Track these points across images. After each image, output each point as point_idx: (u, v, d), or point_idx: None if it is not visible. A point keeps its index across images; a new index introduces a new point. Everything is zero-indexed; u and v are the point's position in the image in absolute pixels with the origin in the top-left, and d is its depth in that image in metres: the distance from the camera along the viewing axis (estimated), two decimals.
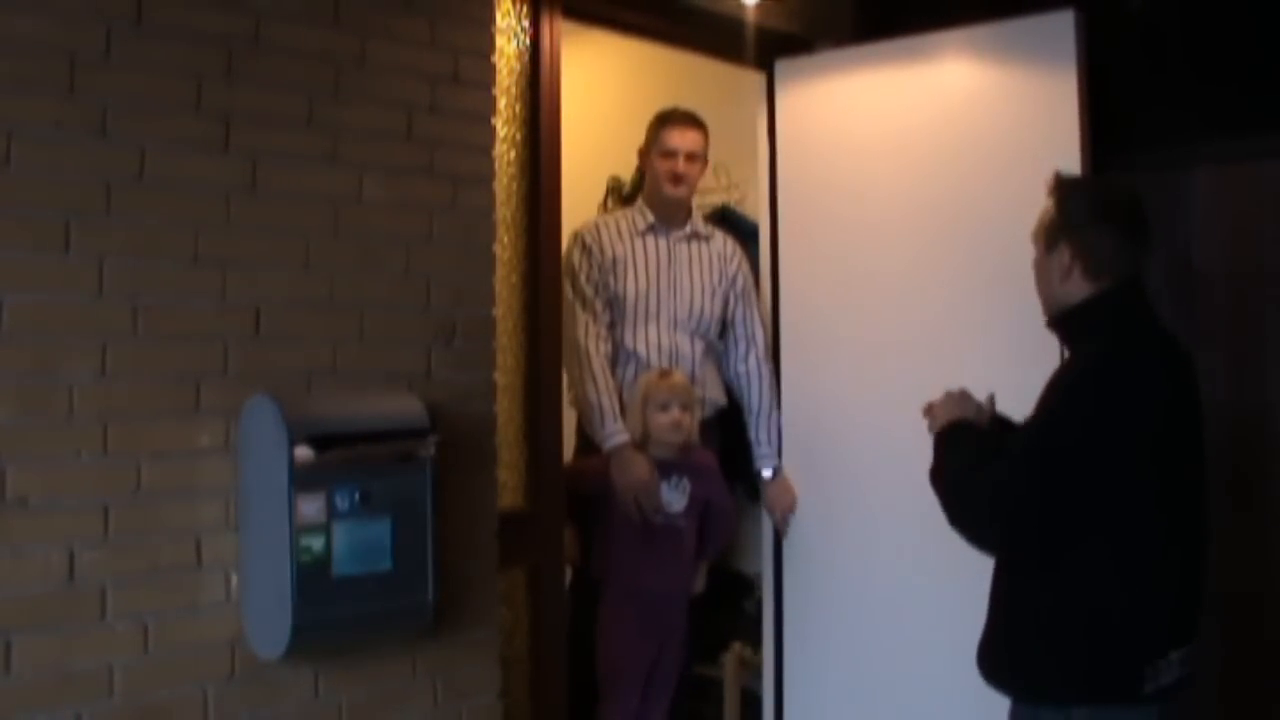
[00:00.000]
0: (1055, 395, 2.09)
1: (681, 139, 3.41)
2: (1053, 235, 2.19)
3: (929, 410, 2.31)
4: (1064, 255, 2.16)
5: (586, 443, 3.38)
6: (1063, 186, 2.22)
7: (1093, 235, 2.15)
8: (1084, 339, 2.18)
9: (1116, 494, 2.03)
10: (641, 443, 3.25)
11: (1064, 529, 2.04)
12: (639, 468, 3.21)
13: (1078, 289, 2.16)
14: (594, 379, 3.24)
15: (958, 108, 3.29)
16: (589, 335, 3.28)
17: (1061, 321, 2.22)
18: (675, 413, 3.25)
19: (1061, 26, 3.13)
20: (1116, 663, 2.03)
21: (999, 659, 2.15)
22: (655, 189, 3.46)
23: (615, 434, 3.22)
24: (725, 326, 3.54)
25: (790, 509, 3.46)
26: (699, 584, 3.45)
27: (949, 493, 2.16)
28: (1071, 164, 3.06)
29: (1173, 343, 2.22)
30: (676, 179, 3.41)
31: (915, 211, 3.32)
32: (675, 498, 3.27)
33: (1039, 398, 2.13)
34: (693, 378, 3.39)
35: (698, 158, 3.45)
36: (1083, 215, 2.17)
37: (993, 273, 3.16)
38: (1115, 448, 2.02)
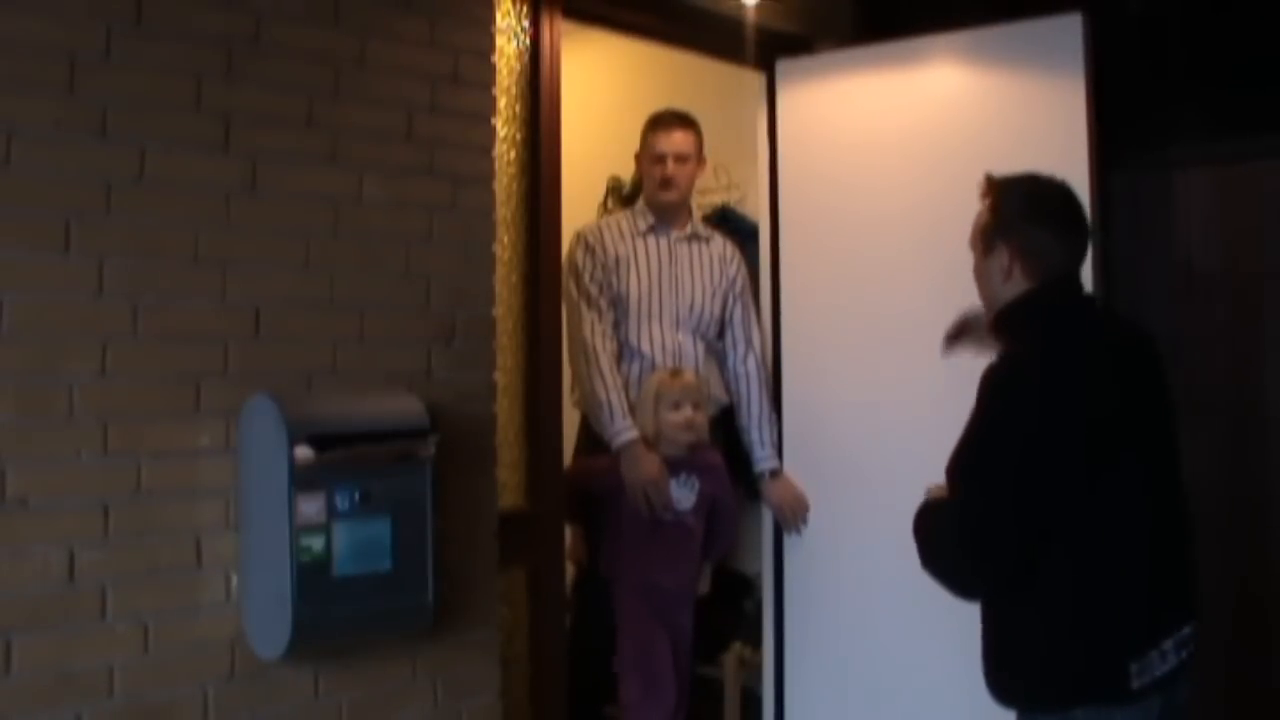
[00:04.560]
0: (986, 402, 2.04)
1: (668, 142, 3.41)
2: (990, 237, 2.17)
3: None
4: (1003, 256, 2.14)
5: (589, 442, 3.38)
6: (995, 188, 2.21)
7: (1029, 232, 2.13)
8: (1017, 336, 2.15)
9: (1068, 494, 1.99)
10: (651, 441, 3.25)
11: (1030, 540, 2.01)
12: (649, 464, 3.21)
13: (1018, 287, 2.14)
14: (602, 376, 3.25)
15: (960, 110, 3.29)
16: (595, 333, 3.29)
17: (999, 320, 2.19)
18: (688, 411, 3.25)
19: (1068, 30, 3.12)
20: (1100, 663, 2.02)
21: (995, 676, 2.13)
22: (650, 194, 3.47)
23: (624, 430, 3.22)
24: (724, 327, 3.54)
25: (797, 506, 3.46)
26: (704, 584, 3.45)
27: (931, 560, 2.11)
28: (1078, 166, 3.07)
29: (1118, 332, 2.20)
30: (665, 183, 3.41)
31: (917, 212, 3.31)
32: (684, 495, 3.27)
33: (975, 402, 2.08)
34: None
35: (688, 158, 3.43)
36: (1017, 213, 2.15)
37: None
38: (1055, 449, 1.98)
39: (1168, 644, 2.05)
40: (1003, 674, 2.12)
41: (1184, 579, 2.14)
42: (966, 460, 2.05)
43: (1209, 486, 3.27)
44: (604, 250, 3.38)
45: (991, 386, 2.04)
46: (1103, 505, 2.02)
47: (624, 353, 3.37)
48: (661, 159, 3.41)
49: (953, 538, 2.07)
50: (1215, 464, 3.33)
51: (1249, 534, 3.33)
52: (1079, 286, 2.18)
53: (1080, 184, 3.02)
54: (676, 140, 3.41)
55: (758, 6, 3.36)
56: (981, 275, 2.21)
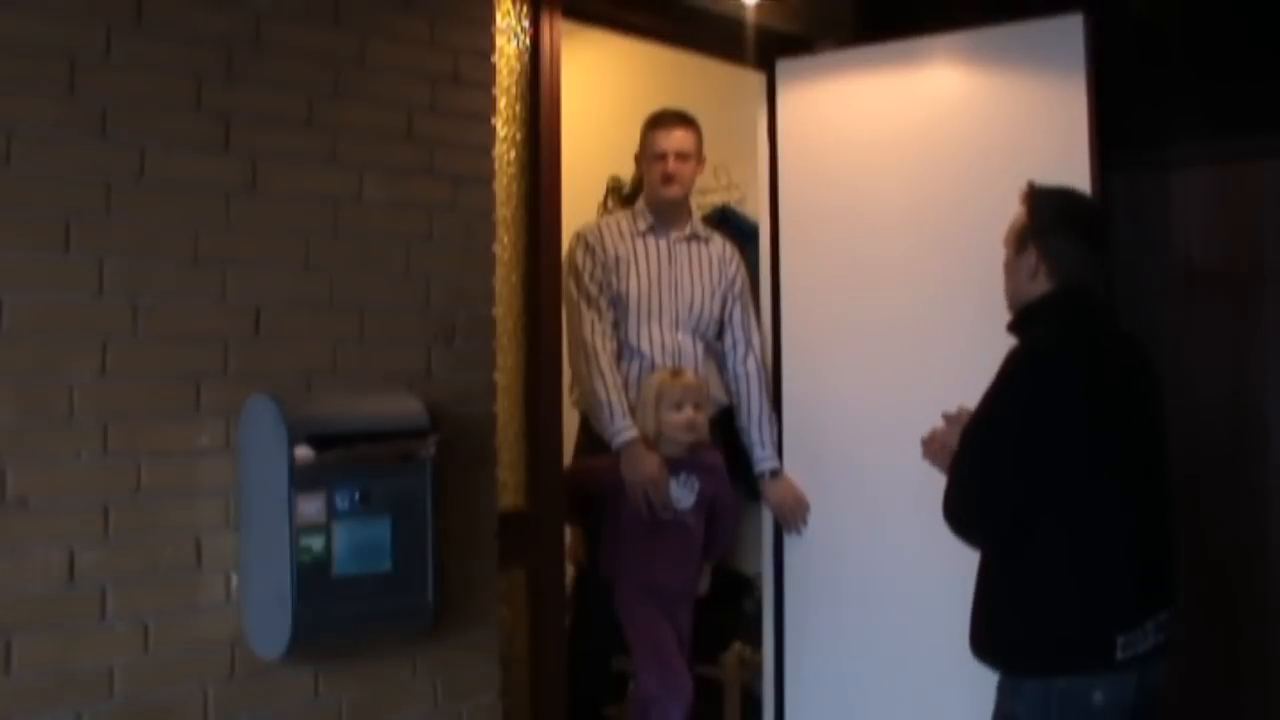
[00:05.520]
0: (1002, 377, 2.24)
1: (669, 140, 3.42)
2: (1023, 238, 2.37)
3: (931, 438, 2.41)
4: (1031, 257, 2.34)
5: (590, 443, 3.38)
6: (1035, 195, 2.40)
7: (1058, 240, 2.33)
8: (1035, 329, 2.32)
9: (1066, 465, 2.16)
10: (652, 441, 3.25)
11: (1026, 509, 2.17)
12: (649, 464, 3.21)
13: (1040, 288, 2.34)
14: (602, 376, 3.25)
15: (961, 110, 3.29)
16: (595, 333, 3.29)
17: (1020, 317, 2.37)
18: (689, 411, 3.25)
19: (1068, 30, 3.12)
20: (1087, 634, 2.15)
21: (982, 639, 2.27)
22: (652, 191, 3.48)
23: (624, 430, 3.22)
24: (723, 328, 3.55)
25: (797, 506, 3.46)
26: (703, 584, 3.45)
27: (945, 511, 2.28)
28: (1078, 166, 3.06)
29: (1118, 335, 2.40)
30: (668, 179, 3.42)
31: (917, 212, 3.31)
32: (684, 495, 3.27)
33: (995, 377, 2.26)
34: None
35: (689, 156, 3.45)
36: (1051, 222, 2.35)
37: (994, 274, 3.13)
38: (1056, 421, 2.16)
39: (1150, 623, 2.19)
40: (986, 638, 2.27)
41: (1168, 566, 2.29)
42: (978, 424, 2.25)
43: (1208, 485, 3.28)
44: (604, 250, 3.38)
45: (1010, 364, 2.25)
46: (1098, 485, 2.17)
47: (624, 352, 3.37)
48: (663, 156, 3.42)
49: (959, 489, 2.25)
50: (1215, 463, 3.33)
51: (1248, 533, 3.33)
52: (1093, 294, 2.36)
53: (1080, 184, 3.04)
54: (677, 138, 3.42)
55: (758, 6, 3.36)
56: (1011, 271, 2.41)
